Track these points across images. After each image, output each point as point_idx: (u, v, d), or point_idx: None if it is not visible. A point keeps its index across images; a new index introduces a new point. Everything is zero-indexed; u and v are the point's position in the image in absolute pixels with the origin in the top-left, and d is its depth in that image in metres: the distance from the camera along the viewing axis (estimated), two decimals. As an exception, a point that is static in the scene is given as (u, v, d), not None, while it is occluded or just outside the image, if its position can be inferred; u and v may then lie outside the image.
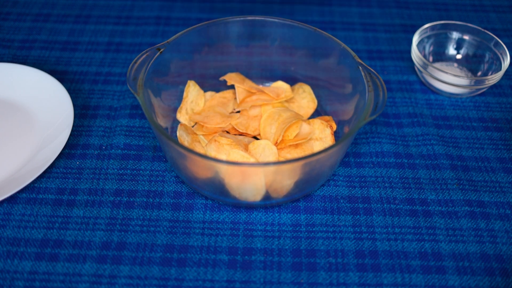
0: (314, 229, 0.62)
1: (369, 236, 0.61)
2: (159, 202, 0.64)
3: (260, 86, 0.73)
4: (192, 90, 0.71)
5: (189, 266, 0.58)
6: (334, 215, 0.63)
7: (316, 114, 0.73)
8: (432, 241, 0.61)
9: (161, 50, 0.66)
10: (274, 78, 0.76)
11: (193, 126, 0.71)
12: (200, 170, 0.60)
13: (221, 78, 0.73)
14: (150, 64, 0.64)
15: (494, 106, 0.77)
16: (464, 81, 0.74)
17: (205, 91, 0.74)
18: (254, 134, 0.68)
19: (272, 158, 0.63)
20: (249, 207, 0.63)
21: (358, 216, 0.63)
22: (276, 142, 0.65)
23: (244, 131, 0.68)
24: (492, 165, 0.69)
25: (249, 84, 0.72)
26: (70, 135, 0.70)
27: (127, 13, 0.92)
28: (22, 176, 0.64)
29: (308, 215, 0.63)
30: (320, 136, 0.66)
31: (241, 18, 0.71)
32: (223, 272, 0.58)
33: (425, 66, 0.76)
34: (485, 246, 0.60)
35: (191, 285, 0.57)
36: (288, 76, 0.76)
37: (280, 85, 0.74)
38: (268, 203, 0.62)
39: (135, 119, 0.73)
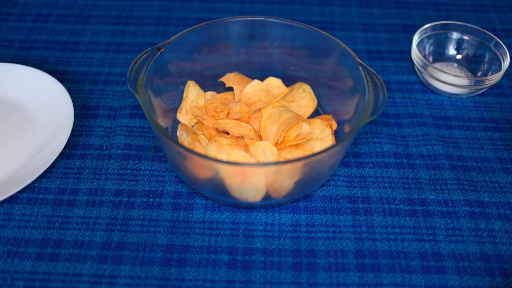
0: (314, 229, 0.62)
1: (369, 236, 0.61)
2: (159, 202, 0.64)
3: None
4: (192, 90, 0.71)
5: (189, 266, 0.58)
6: (334, 215, 0.63)
7: (316, 113, 0.73)
8: (432, 241, 0.61)
9: (161, 50, 0.66)
10: (274, 78, 0.76)
11: (193, 126, 0.71)
12: (200, 170, 0.60)
13: (220, 80, 0.73)
14: (150, 64, 0.64)
15: (494, 106, 0.77)
16: (464, 81, 0.74)
17: (205, 91, 0.74)
18: (238, 135, 0.67)
19: (272, 159, 0.63)
20: (249, 207, 0.63)
21: (358, 216, 0.63)
22: (277, 143, 0.65)
23: (230, 131, 0.67)
24: (492, 165, 0.69)
25: (248, 83, 0.72)
26: (70, 135, 0.70)
27: (127, 13, 0.92)
28: (22, 176, 0.64)
29: (308, 215, 0.63)
30: (321, 136, 0.66)
31: (241, 18, 0.71)
32: (223, 272, 0.58)
33: (425, 66, 0.76)
34: (485, 246, 0.60)
35: (191, 285, 0.57)
36: (288, 76, 0.76)
37: (271, 81, 0.73)
38: (268, 203, 0.62)
39: (135, 119, 0.73)
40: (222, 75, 0.74)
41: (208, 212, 0.63)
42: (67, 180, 0.66)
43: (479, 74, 0.80)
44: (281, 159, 0.64)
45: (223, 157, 0.62)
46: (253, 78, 0.73)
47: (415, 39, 0.79)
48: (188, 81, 0.72)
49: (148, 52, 0.65)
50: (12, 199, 0.64)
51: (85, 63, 0.82)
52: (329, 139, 0.66)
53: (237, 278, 0.57)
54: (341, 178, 0.67)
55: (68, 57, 0.83)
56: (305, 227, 0.62)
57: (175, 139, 0.57)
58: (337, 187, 0.66)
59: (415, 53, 0.77)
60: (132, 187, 0.65)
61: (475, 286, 0.57)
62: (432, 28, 0.81)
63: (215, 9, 0.93)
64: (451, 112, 0.76)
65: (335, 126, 0.69)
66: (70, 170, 0.67)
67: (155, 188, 0.65)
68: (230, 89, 0.74)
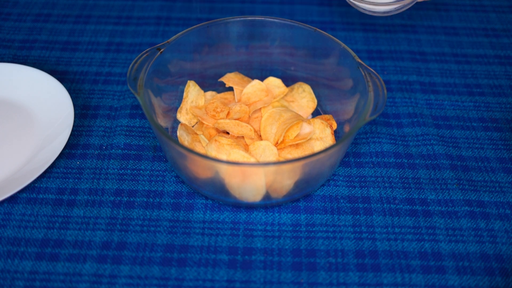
0: (314, 229, 0.62)
1: (369, 236, 0.61)
2: (159, 202, 0.64)
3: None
4: (192, 90, 0.71)
5: (189, 266, 0.58)
6: (334, 215, 0.63)
7: (316, 113, 0.73)
8: (432, 241, 0.61)
9: (161, 50, 0.66)
10: (274, 78, 0.76)
11: (193, 126, 0.71)
12: (201, 170, 0.60)
13: (220, 80, 0.73)
14: (150, 64, 0.64)
15: (494, 106, 0.77)
16: None
17: (205, 91, 0.74)
18: (238, 135, 0.67)
19: (272, 159, 0.63)
20: (249, 207, 0.64)
21: (358, 216, 0.63)
22: (277, 143, 0.65)
23: (230, 131, 0.67)
24: (492, 165, 0.69)
25: (248, 83, 0.72)
26: (71, 135, 0.70)
27: (128, 13, 0.92)
28: (23, 176, 0.64)
29: (308, 215, 0.63)
30: (321, 135, 0.66)
31: (241, 18, 0.71)
32: (223, 272, 0.58)
33: None
34: (485, 246, 0.61)
35: (191, 285, 0.57)
36: (288, 76, 0.76)
37: (271, 81, 0.73)
38: (268, 203, 0.62)
39: (135, 119, 0.73)
40: (222, 75, 0.74)
41: (208, 212, 0.63)
42: (67, 180, 0.66)
43: None
44: (281, 159, 0.64)
45: (223, 157, 0.62)
46: (253, 78, 0.73)
47: None
48: (188, 81, 0.72)
49: (148, 52, 0.65)
50: (12, 199, 0.64)
51: (85, 63, 0.82)
52: (329, 139, 0.66)
53: (237, 278, 0.57)
54: (341, 178, 0.67)
55: (68, 57, 0.83)
56: (305, 227, 0.62)
57: (175, 139, 0.58)
58: (337, 187, 0.66)
59: None
60: (132, 187, 0.65)
61: (475, 286, 0.57)
62: None
63: (215, 9, 0.93)
64: (451, 112, 0.76)
65: (335, 126, 0.69)
66: (70, 170, 0.67)
67: (155, 188, 0.65)
68: (230, 89, 0.74)
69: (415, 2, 0.71)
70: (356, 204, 0.64)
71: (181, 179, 0.66)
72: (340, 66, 0.69)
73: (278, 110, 0.69)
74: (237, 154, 0.61)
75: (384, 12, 0.72)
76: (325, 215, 0.63)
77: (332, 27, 0.90)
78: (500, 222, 0.63)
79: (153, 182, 0.66)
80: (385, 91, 0.61)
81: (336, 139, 0.68)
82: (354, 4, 0.72)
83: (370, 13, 0.72)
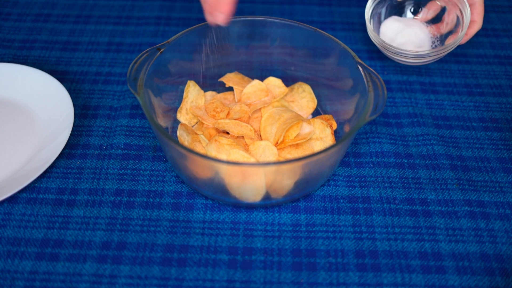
0: (314, 229, 0.62)
1: (369, 236, 0.61)
2: (159, 202, 0.64)
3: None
4: (192, 90, 0.71)
5: (189, 266, 0.58)
6: (334, 215, 0.63)
7: (316, 113, 0.73)
8: (432, 241, 0.61)
9: (161, 50, 0.66)
10: (274, 78, 0.76)
11: (193, 126, 0.71)
12: (201, 170, 0.60)
13: (220, 80, 0.73)
14: (150, 64, 0.64)
15: (494, 106, 0.77)
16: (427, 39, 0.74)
17: (205, 91, 0.74)
18: (238, 135, 0.67)
19: (272, 159, 0.63)
20: (249, 207, 0.64)
21: (358, 216, 0.63)
22: (277, 143, 0.65)
23: (229, 131, 0.67)
24: (492, 165, 0.69)
25: (248, 83, 0.72)
26: (71, 135, 0.71)
27: (128, 13, 0.92)
28: (23, 176, 0.64)
29: (308, 215, 0.63)
30: (321, 135, 0.66)
31: (241, 18, 0.71)
32: (223, 272, 0.58)
33: (384, 46, 0.74)
34: (485, 246, 0.61)
35: (191, 285, 0.57)
36: (288, 76, 0.76)
37: (271, 81, 0.73)
38: (268, 203, 0.62)
39: (135, 119, 0.73)
40: (222, 75, 0.74)
41: (208, 212, 0.63)
42: (67, 180, 0.66)
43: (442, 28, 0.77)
44: (281, 159, 0.64)
45: (223, 157, 0.62)
46: (253, 78, 0.73)
47: (367, 16, 0.76)
48: (188, 81, 0.72)
49: (148, 52, 0.65)
50: (12, 199, 0.64)
51: (85, 63, 0.82)
52: (329, 139, 0.66)
53: (237, 278, 0.57)
54: (341, 178, 0.67)
55: (68, 57, 0.83)
56: (305, 227, 0.62)
57: (175, 139, 0.58)
58: (337, 187, 0.66)
59: (372, 35, 0.74)
60: (132, 187, 0.65)
61: (475, 286, 0.57)
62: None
63: (215, 9, 0.93)
64: (451, 112, 0.76)
65: (335, 126, 0.69)
66: (70, 170, 0.67)
67: (155, 188, 0.65)
68: (230, 89, 0.74)
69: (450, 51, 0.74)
70: (356, 204, 0.64)
71: (181, 179, 0.66)
72: (340, 66, 0.69)
73: (278, 110, 0.69)
74: (237, 154, 0.61)
75: (420, 62, 0.75)
76: (325, 215, 0.63)
77: (332, 27, 0.90)
78: (500, 222, 0.63)
79: (153, 182, 0.66)
80: (385, 91, 0.61)
81: (336, 139, 0.68)
82: (390, 56, 0.76)
83: (406, 64, 0.76)
